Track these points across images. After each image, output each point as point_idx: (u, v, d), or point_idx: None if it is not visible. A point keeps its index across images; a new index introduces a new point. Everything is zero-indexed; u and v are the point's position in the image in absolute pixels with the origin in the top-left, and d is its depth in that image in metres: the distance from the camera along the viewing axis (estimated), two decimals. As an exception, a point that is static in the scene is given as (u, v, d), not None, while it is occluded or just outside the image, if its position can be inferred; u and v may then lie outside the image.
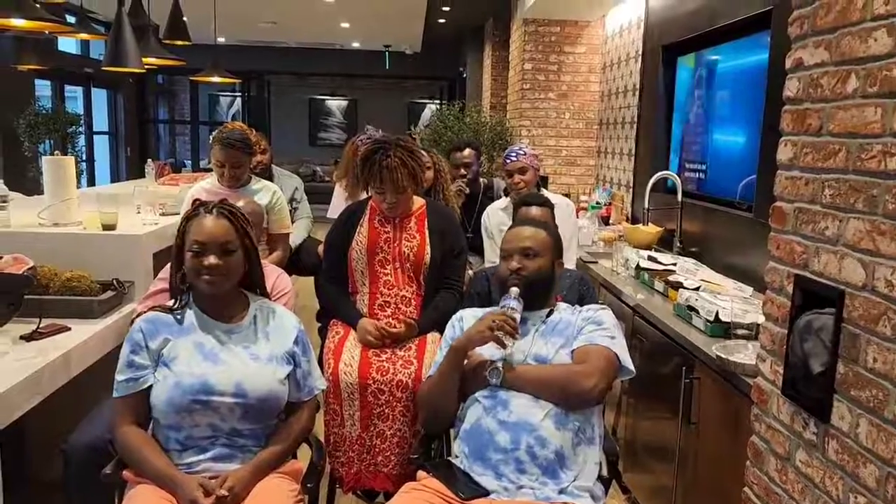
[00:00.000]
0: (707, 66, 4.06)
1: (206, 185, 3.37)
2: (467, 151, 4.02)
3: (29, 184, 6.52)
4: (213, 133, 3.37)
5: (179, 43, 5.19)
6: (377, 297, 2.55)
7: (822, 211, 1.57)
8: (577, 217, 5.23)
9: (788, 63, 1.72)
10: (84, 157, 9.12)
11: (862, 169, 1.43)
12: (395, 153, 2.49)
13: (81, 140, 8.43)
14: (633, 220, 4.84)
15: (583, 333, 2.02)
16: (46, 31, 3.72)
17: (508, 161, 3.58)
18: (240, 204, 2.78)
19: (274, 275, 2.77)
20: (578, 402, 1.89)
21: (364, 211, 2.67)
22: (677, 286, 2.93)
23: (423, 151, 3.22)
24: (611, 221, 5.11)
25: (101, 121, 11.12)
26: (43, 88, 9.11)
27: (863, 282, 1.42)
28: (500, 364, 1.97)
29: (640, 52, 4.97)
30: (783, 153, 1.74)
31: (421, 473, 1.89)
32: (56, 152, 2.93)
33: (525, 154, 3.59)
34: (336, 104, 14.85)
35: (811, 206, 1.61)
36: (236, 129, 3.34)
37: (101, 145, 11.16)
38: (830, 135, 1.54)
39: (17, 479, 2.24)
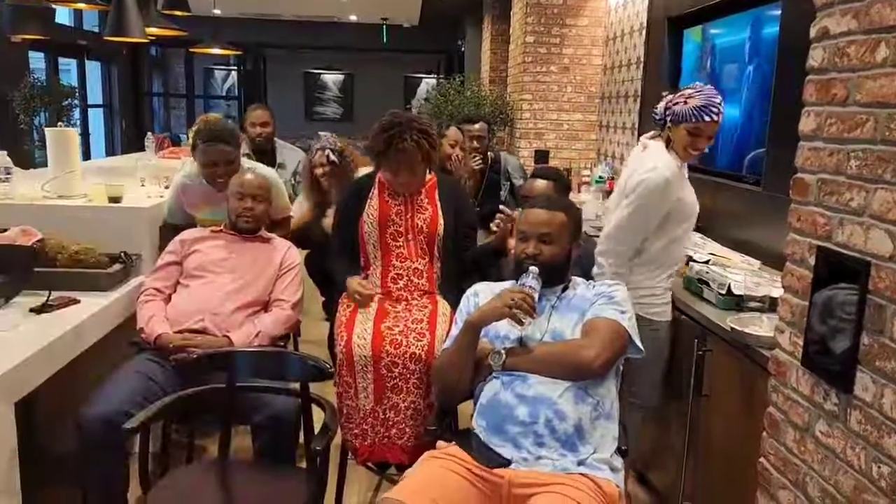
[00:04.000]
0: (714, 39, 4.02)
1: (188, 182, 3.04)
2: (479, 125, 3.98)
3: (24, 157, 6.44)
4: (191, 133, 3.02)
5: (179, 13, 5.11)
6: (390, 270, 2.54)
7: (847, 182, 1.56)
8: (579, 192, 5.23)
9: (813, 32, 1.69)
10: (79, 131, 9.02)
11: (891, 139, 1.42)
12: (411, 135, 2.46)
13: (76, 113, 8.33)
14: (637, 194, 4.82)
15: (593, 307, 2.02)
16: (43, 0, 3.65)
17: (706, 118, 2.36)
18: (248, 177, 2.77)
19: (283, 248, 2.76)
20: (581, 375, 1.89)
21: (373, 185, 2.65)
22: (687, 259, 2.92)
23: (451, 131, 3.19)
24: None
25: (95, 94, 10.99)
26: (36, 61, 8.97)
27: (890, 253, 1.41)
28: (501, 349, 1.98)
29: (645, 25, 4.92)
30: (806, 124, 1.72)
31: (441, 442, 1.89)
32: (60, 123, 2.88)
33: (722, 113, 2.43)
34: (332, 78, 14.69)
35: (835, 178, 1.60)
36: (218, 121, 3.10)
37: (96, 118, 11.03)
38: (858, 105, 1.53)
39: (28, 452, 2.24)
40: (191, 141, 3.01)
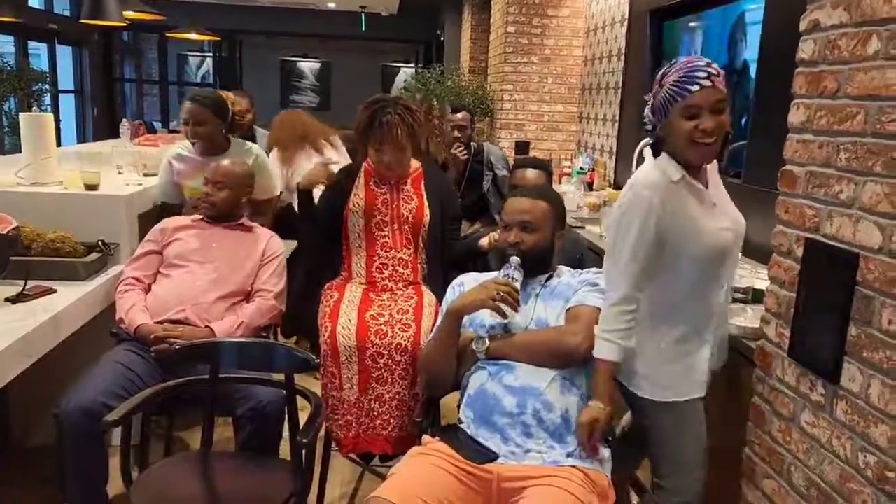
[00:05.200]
0: (695, 31, 4.04)
1: (183, 152, 3.20)
2: (462, 115, 3.97)
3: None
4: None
5: (154, -3, 5.01)
6: (374, 260, 2.52)
7: (836, 174, 1.57)
8: (560, 182, 5.24)
9: (803, 25, 1.70)
10: (50, 117, 8.81)
11: (882, 132, 1.43)
12: (395, 110, 2.45)
13: (47, 98, 8.14)
14: (617, 185, 4.84)
15: (577, 294, 2.02)
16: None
17: (694, 87, 1.69)
18: (222, 163, 2.73)
19: (266, 237, 2.73)
20: (567, 360, 1.89)
21: (358, 173, 2.62)
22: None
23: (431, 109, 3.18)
24: (594, 187, 5.11)
25: (66, 79, 10.75)
26: (5, 44, 8.76)
27: (879, 244, 1.43)
28: (485, 335, 1.97)
29: (626, 17, 4.93)
30: (795, 116, 1.73)
31: (427, 438, 1.88)
32: (34, 109, 2.80)
33: (720, 75, 1.72)
34: (309, 66, 14.54)
35: (825, 170, 1.61)
36: (209, 90, 3.28)
37: (67, 104, 10.80)
38: (848, 97, 1.53)
39: (5, 446, 2.19)
40: None
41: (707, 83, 1.69)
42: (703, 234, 1.76)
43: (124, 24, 4.32)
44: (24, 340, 2.03)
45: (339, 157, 3.80)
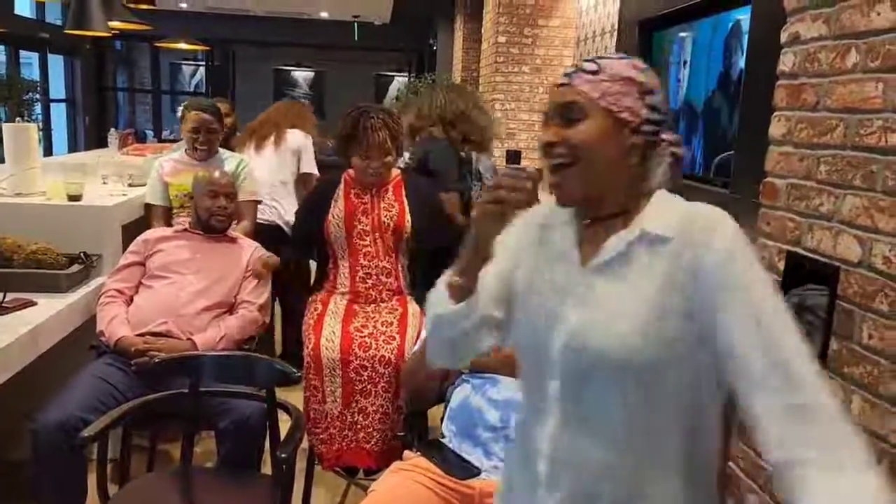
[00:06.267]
0: (683, 42, 4.05)
1: (175, 156, 3.26)
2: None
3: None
4: (184, 104, 3.32)
5: (144, 7, 4.99)
6: (357, 270, 2.50)
7: (816, 187, 1.56)
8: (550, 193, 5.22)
9: (784, 37, 1.70)
10: (41, 126, 8.78)
11: (861, 145, 1.43)
12: (377, 115, 2.48)
13: (38, 108, 8.11)
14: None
15: None
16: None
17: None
18: (216, 175, 2.72)
19: (250, 249, 2.71)
20: None
21: (339, 184, 2.61)
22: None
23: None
24: (584, 197, 5.11)
25: (57, 88, 10.72)
26: (-5, 54, 8.75)
27: (859, 258, 1.42)
28: None
29: (616, 27, 4.93)
30: (776, 129, 1.73)
31: (408, 453, 1.86)
32: (18, 119, 2.79)
33: (601, 71, 1.05)
34: (302, 75, 14.56)
35: (805, 182, 1.60)
36: (205, 99, 3.32)
37: (58, 114, 10.77)
38: (828, 110, 1.53)
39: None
40: (180, 114, 3.32)
41: (564, 80, 1.09)
42: (523, 305, 1.12)
43: (109, 35, 4.31)
44: (2, 353, 2.00)
45: (277, 158, 3.80)
